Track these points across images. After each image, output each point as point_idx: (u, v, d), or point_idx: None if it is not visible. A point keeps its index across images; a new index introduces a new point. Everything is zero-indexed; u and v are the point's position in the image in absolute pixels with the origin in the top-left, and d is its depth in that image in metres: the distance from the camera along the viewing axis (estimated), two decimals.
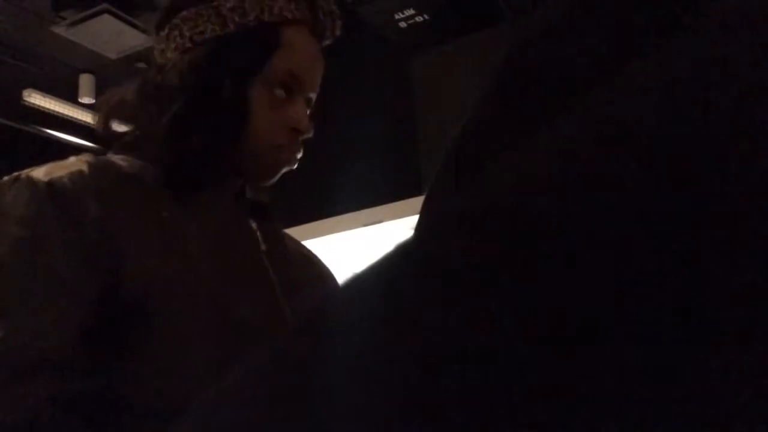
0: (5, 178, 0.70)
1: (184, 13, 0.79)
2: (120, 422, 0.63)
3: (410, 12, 2.58)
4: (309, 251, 0.94)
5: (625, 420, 0.16)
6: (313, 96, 0.84)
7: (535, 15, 0.28)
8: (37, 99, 3.56)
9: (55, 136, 3.80)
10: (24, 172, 0.69)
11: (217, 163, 0.80)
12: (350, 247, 2.78)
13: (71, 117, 3.70)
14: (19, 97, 3.53)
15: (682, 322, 0.15)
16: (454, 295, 0.18)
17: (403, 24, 2.63)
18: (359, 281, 0.22)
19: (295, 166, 0.84)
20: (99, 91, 3.50)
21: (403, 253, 0.21)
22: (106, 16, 2.82)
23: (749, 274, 0.15)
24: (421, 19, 2.60)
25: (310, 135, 0.83)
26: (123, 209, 0.68)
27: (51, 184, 0.67)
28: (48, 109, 3.62)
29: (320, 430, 0.19)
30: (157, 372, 0.64)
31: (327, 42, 0.85)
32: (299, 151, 0.83)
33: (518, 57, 0.27)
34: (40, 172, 0.69)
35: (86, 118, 3.69)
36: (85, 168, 0.70)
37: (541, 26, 0.27)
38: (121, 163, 0.75)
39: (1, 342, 0.58)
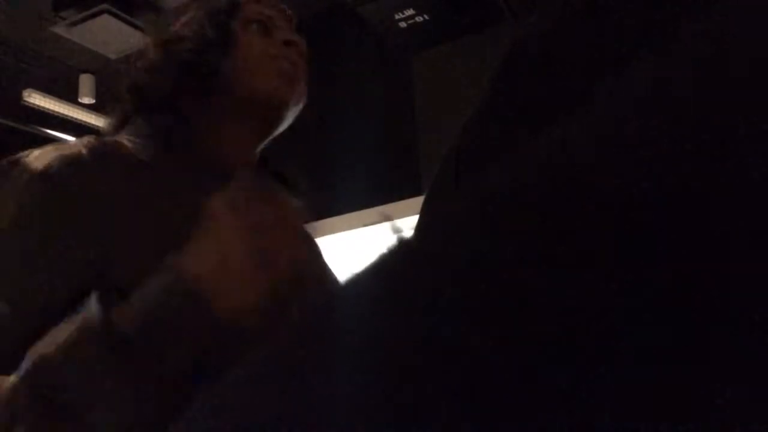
0: (2, 161, 0.69)
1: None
2: None
3: (410, 12, 2.58)
4: (316, 245, 0.93)
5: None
6: (296, 39, 0.85)
7: (535, 15, 0.28)
8: (37, 99, 3.56)
9: (56, 136, 3.80)
10: (21, 157, 0.68)
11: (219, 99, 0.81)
12: (350, 247, 2.78)
13: (71, 117, 3.70)
14: (19, 97, 3.53)
15: (682, 323, 0.15)
16: (454, 295, 0.18)
17: (403, 24, 2.63)
18: (359, 281, 0.22)
19: (304, 79, 0.84)
20: (99, 91, 3.51)
21: (402, 252, 0.21)
22: (106, 16, 2.82)
23: (753, 282, 0.15)
24: (421, 19, 2.60)
25: (304, 48, 0.84)
26: (118, 200, 0.67)
27: (45, 173, 0.66)
28: (48, 109, 3.62)
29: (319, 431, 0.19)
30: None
31: None
32: (299, 61, 0.83)
33: (518, 57, 0.27)
34: (35, 158, 0.68)
35: (86, 118, 3.69)
36: (84, 152, 0.69)
37: (541, 26, 0.27)
38: (127, 143, 0.74)
39: None
